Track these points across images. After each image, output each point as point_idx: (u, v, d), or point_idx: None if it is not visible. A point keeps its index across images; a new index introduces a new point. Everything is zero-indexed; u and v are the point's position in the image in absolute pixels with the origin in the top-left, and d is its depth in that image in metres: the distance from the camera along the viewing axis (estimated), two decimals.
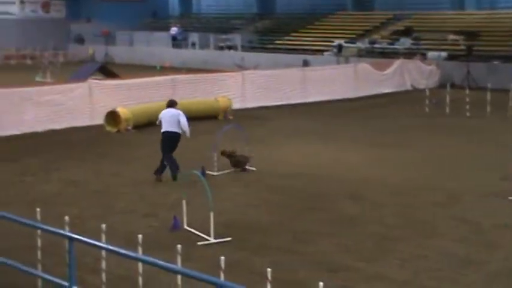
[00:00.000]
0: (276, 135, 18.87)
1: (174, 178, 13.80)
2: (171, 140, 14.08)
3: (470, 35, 34.61)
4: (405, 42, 36.53)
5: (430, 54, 34.15)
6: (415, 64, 31.74)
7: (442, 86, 27.72)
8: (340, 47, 36.88)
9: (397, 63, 30.62)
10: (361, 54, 36.66)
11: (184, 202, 10.57)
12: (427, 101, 23.40)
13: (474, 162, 15.39)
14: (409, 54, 34.56)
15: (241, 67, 33.11)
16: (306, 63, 34.49)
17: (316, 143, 17.71)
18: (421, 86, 29.33)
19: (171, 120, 14.07)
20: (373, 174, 14.16)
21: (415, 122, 21.62)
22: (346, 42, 38.31)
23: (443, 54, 33.84)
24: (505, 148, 16.81)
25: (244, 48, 43.10)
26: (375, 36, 39.37)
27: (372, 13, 43.75)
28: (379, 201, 12.06)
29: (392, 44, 37.30)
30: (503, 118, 21.74)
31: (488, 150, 16.73)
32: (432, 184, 13.28)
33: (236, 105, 23.05)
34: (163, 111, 14.31)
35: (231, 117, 21.69)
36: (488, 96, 22.33)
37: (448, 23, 38.11)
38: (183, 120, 14.00)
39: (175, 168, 13.90)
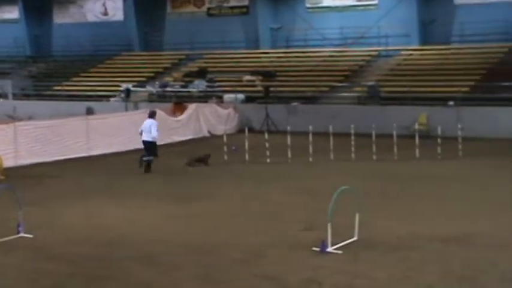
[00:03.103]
0: (56, 195, 18.31)
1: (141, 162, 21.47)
2: (145, 146, 21.44)
3: (267, 75, 36.39)
4: (199, 85, 37.44)
5: (227, 96, 35.29)
6: (211, 108, 32.60)
7: (241, 130, 28.67)
8: (128, 92, 37.00)
9: (192, 107, 31.27)
10: (152, 99, 37.11)
11: None
12: (225, 148, 24.09)
13: (277, 212, 16.01)
14: (204, 98, 35.54)
15: (12, 118, 31.97)
16: (90, 111, 34.15)
17: (104, 202, 17.43)
18: (219, 132, 30.14)
19: (146, 129, 21.39)
20: (169, 233, 14.19)
21: (213, 171, 22.13)
22: (134, 86, 38.55)
23: (240, 96, 35.13)
24: (307, 196, 17.71)
25: (17, 96, 41.81)
26: (167, 79, 40.03)
27: (161, 53, 44.57)
28: (176, 263, 12.08)
29: (185, 86, 38.09)
30: (305, 163, 22.96)
31: (291, 199, 17.51)
32: (234, 239, 13.57)
33: (8, 163, 22.13)
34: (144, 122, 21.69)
35: (1, 177, 20.78)
36: (289, 140, 23.50)
37: (243, 62, 39.83)
38: (154, 129, 21.25)
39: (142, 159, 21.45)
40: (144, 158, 21.57)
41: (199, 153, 23.62)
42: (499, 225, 14.16)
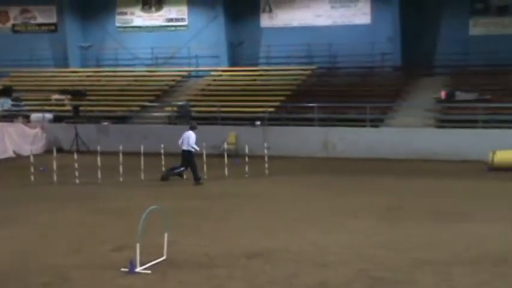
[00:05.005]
0: None
1: (165, 177, 23.17)
2: (183, 155, 22.54)
3: (76, 94, 35.85)
4: (5, 104, 36.16)
5: (34, 116, 34.33)
6: (17, 128, 31.54)
7: (49, 151, 27.97)
8: None
9: None
10: None
11: None
12: (32, 169, 23.40)
13: (85, 233, 15.78)
14: (9, 117, 34.34)
15: None
16: None
17: None
18: (25, 152, 29.18)
19: (184, 141, 22.47)
20: None
21: (19, 193, 21.43)
22: None
23: (49, 115, 34.32)
24: (117, 216, 17.63)
25: None
26: None
27: None
28: None
29: None
30: (116, 183, 22.83)
31: (100, 219, 17.33)
32: (41, 263, 13.22)
33: None
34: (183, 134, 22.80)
35: None
36: (99, 160, 23.25)
37: (51, 81, 38.97)
38: (191, 140, 22.37)
39: (175, 174, 23.10)
40: (176, 171, 23.14)
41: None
42: (298, 240, 14.84)
